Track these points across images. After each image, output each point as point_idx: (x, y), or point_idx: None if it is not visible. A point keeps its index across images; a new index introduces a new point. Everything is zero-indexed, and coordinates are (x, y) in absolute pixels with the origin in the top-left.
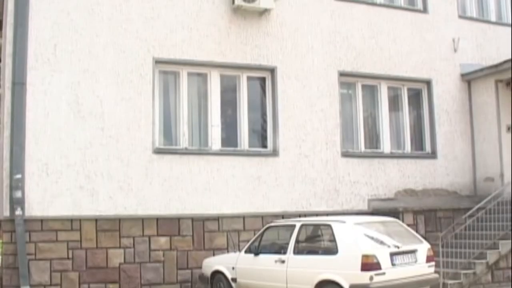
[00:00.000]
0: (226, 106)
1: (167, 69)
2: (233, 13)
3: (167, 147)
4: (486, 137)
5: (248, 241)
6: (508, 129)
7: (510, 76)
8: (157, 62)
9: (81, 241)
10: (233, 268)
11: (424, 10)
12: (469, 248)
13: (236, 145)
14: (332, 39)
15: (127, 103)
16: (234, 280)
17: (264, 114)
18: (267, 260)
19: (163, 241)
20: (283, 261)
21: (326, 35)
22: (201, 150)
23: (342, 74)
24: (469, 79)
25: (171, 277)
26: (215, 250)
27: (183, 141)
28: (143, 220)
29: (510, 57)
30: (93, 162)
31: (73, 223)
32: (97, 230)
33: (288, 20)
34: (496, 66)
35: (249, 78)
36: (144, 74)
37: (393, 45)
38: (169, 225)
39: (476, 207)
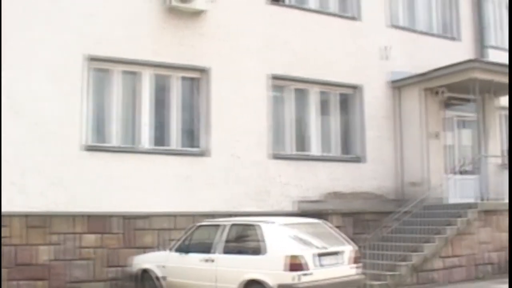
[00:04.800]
0: (158, 105)
1: (100, 67)
2: (169, 13)
3: (99, 144)
4: (413, 143)
5: (178, 240)
6: (435, 135)
7: (437, 84)
8: (91, 59)
9: (10, 237)
10: (162, 266)
11: (356, 17)
12: (394, 251)
13: (167, 144)
14: (266, 42)
15: (60, 100)
16: (163, 278)
17: (197, 115)
18: (196, 259)
19: (93, 238)
20: (212, 260)
21: (260, 38)
22: (132, 148)
23: (274, 77)
24: (398, 86)
25: (100, 275)
26: (145, 248)
27: (115, 139)
28: (73, 217)
29: (438, 66)
30: (25, 158)
31: (3, 219)
32: (27, 227)
33: (223, 22)
34: (424, 74)
35: (183, 78)
36: (77, 71)
37: (325, 50)
38: (99, 222)
39: (403, 210)
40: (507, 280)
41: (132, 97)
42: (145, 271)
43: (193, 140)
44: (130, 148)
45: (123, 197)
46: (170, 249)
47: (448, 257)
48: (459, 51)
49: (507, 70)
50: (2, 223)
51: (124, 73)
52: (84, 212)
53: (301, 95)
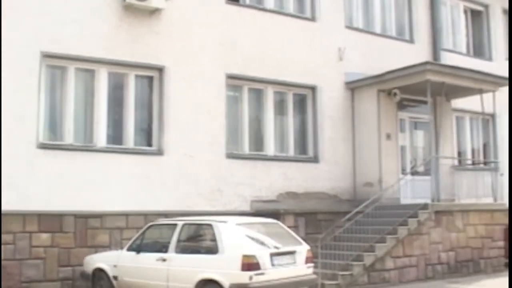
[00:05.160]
0: (113, 103)
1: (54, 64)
2: (124, 11)
3: (52, 142)
4: (367, 144)
5: (131, 239)
6: (387, 136)
7: (392, 86)
8: (45, 56)
9: None
10: (115, 265)
11: (313, 18)
12: (347, 251)
13: (121, 143)
14: (222, 41)
15: (13, 97)
16: (115, 277)
17: (151, 113)
18: (148, 258)
19: (44, 237)
20: (164, 260)
21: (216, 37)
22: (86, 146)
23: (229, 77)
24: (353, 87)
25: (52, 274)
26: (98, 248)
27: (68, 137)
28: (24, 216)
29: (393, 68)
30: None
31: None
32: None
33: (179, 20)
34: (379, 76)
35: (137, 77)
36: (31, 68)
37: (281, 50)
38: (51, 221)
39: (355, 210)
40: (457, 279)
41: (87, 95)
42: (97, 271)
43: (147, 139)
44: (84, 147)
45: (76, 195)
46: (123, 249)
47: (400, 257)
48: (414, 53)
49: (460, 72)
50: None
51: (79, 71)
52: (36, 211)
53: (257, 95)
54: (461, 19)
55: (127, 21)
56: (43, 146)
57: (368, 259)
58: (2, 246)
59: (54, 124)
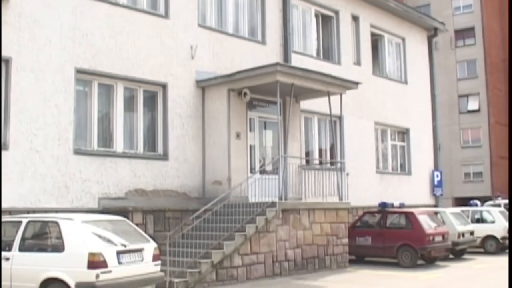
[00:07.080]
0: None
1: None
2: None
3: None
4: (217, 142)
5: None
6: (237, 135)
7: (242, 86)
8: None
9: None
10: None
11: (166, 15)
12: (195, 248)
13: None
14: (71, 34)
15: None
16: None
17: None
18: None
19: None
20: (7, 259)
21: (65, 30)
22: None
23: (79, 71)
24: (204, 86)
25: None
26: None
27: None
28: None
29: (244, 68)
30: None
31: None
32: None
33: (28, 10)
34: (229, 75)
35: None
36: None
37: (133, 46)
38: None
39: (204, 208)
40: (303, 276)
41: None
42: None
43: None
44: None
45: None
46: None
47: (248, 254)
48: (265, 54)
49: (309, 75)
50: None
51: None
52: None
53: (106, 90)
54: (312, 23)
55: None
56: None
57: (216, 256)
58: None
59: None
